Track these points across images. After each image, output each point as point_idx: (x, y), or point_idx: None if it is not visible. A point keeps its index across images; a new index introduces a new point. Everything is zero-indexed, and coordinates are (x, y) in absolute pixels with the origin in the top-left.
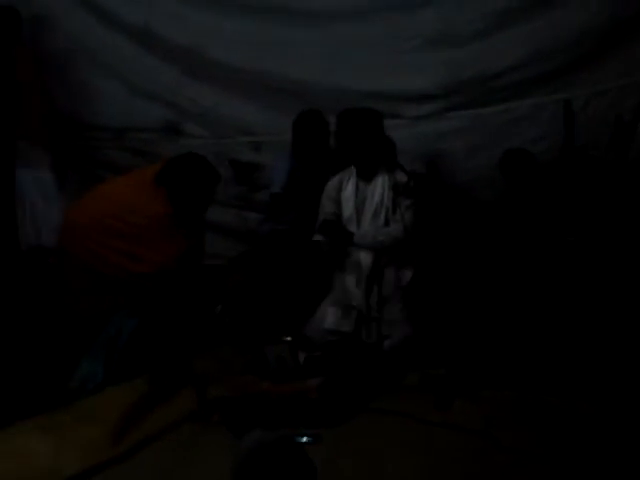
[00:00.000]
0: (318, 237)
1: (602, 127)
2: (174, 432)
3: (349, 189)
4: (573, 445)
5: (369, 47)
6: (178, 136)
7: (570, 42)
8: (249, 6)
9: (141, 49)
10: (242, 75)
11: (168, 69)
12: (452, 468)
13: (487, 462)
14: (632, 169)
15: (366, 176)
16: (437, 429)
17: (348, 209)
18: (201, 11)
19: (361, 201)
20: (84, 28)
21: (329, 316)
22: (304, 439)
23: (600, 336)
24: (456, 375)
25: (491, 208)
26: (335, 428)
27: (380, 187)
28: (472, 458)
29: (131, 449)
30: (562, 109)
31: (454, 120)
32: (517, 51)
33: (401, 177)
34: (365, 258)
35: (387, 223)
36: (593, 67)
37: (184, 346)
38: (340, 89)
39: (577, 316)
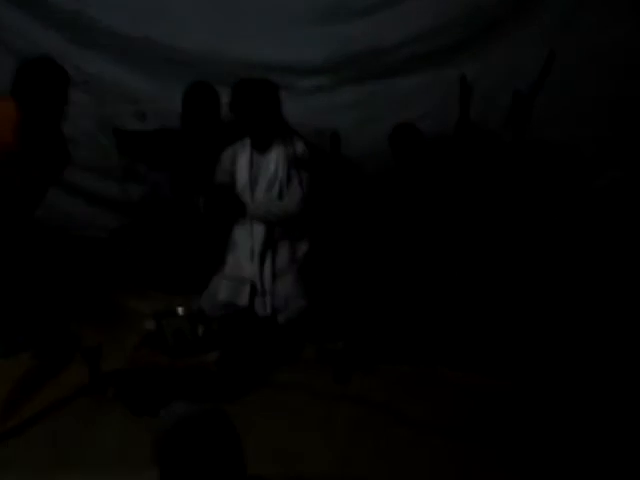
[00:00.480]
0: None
1: (490, 105)
2: (67, 407)
3: (243, 160)
4: (475, 417)
5: (258, 18)
6: None
7: (461, 18)
8: None
9: (25, 14)
10: (128, 43)
11: (52, 35)
12: (357, 443)
13: (392, 436)
14: (530, 147)
15: (261, 147)
16: (338, 402)
17: (242, 180)
18: None
19: (255, 172)
20: None
21: (222, 289)
22: None
23: (489, 305)
24: (354, 348)
25: (380, 182)
26: (235, 402)
27: (275, 159)
28: (376, 432)
29: (22, 424)
30: (452, 85)
31: (344, 94)
32: (408, 26)
33: (297, 148)
34: (258, 230)
35: (281, 195)
36: (482, 44)
37: (63, 312)
38: (228, 59)
39: (465, 285)
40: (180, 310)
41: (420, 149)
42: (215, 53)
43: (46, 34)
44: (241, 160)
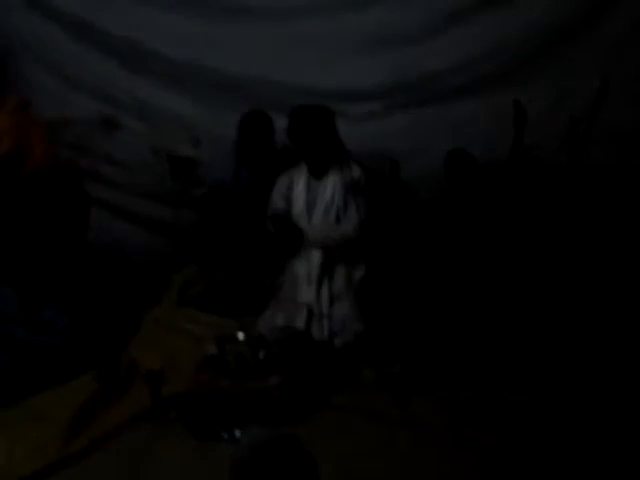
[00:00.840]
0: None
1: (541, 130)
2: (129, 432)
3: (300, 186)
4: (537, 442)
5: (311, 44)
6: (115, 130)
7: (513, 44)
8: (185, 1)
9: (77, 40)
10: (181, 69)
11: (105, 61)
12: (420, 466)
13: (454, 460)
14: (588, 172)
15: (318, 173)
16: (399, 427)
17: (298, 206)
18: (139, 3)
19: (312, 199)
20: (18, 17)
21: (280, 312)
22: None
23: (554, 335)
24: (413, 372)
25: (433, 207)
26: (297, 426)
27: (332, 184)
28: (438, 456)
29: (84, 450)
30: (502, 111)
31: (396, 120)
32: (458, 53)
33: (354, 174)
34: (315, 255)
35: (338, 220)
36: (533, 70)
37: (122, 335)
38: (281, 86)
39: (530, 315)
40: (241, 334)
41: (474, 174)
42: (268, 80)
43: (99, 60)
44: (298, 186)
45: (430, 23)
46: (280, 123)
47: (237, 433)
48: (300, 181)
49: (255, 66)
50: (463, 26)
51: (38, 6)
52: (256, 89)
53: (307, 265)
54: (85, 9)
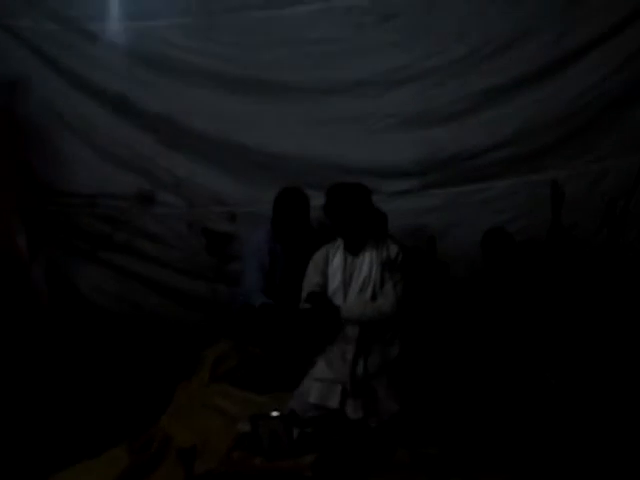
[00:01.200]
0: (305, 306)
1: (581, 209)
2: None
3: (336, 262)
4: None
5: (347, 122)
6: (152, 205)
7: (549, 123)
8: (224, 78)
9: (116, 116)
10: (217, 146)
11: (143, 137)
12: None
13: None
14: (626, 253)
15: (354, 249)
16: None
17: (335, 282)
18: (177, 80)
19: (349, 274)
20: (58, 93)
21: (314, 390)
22: None
23: (598, 420)
24: (449, 453)
25: (469, 286)
26: None
27: (368, 261)
28: None
29: None
30: (538, 190)
31: (430, 198)
32: (494, 132)
33: (391, 251)
34: (352, 332)
35: (374, 297)
36: (569, 150)
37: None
38: (317, 163)
39: (577, 400)
40: (275, 412)
41: (511, 253)
42: (304, 157)
43: (138, 137)
44: (334, 261)
45: (465, 101)
46: (316, 201)
47: None
48: (337, 257)
49: (291, 143)
50: (498, 105)
51: (80, 84)
52: (292, 166)
53: (342, 342)
54: (124, 86)
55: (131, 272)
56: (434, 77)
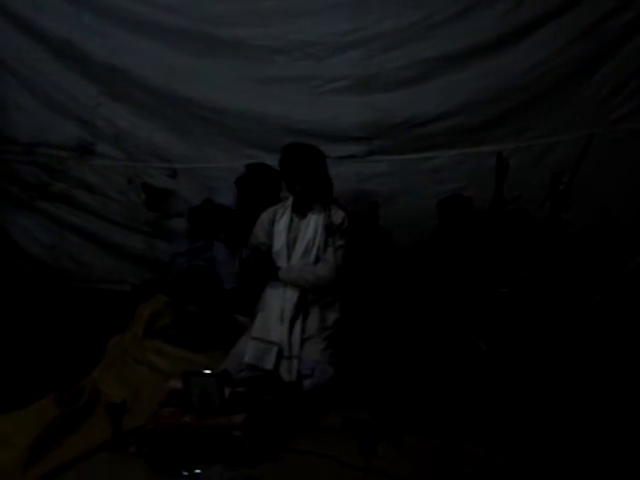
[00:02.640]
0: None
1: (523, 183)
2: (89, 462)
3: (282, 222)
4: None
5: (294, 83)
6: (91, 156)
7: (497, 96)
8: (173, 31)
9: (59, 63)
10: (161, 99)
11: (85, 86)
12: None
13: None
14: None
15: (301, 211)
16: (362, 474)
17: (279, 243)
18: (124, 31)
19: (293, 236)
20: (2, 36)
21: (249, 349)
22: None
23: (527, 385)
24: (380, 418)
25: (413, 252)
26: (257, 467)
27: (313, 224)
28: None
29: (44, 477)
30: (486, 161)
31: (376, 164)
32: (443, 101)
33: (337, 216)
34: (290, 294)
35: (317, 261)
36: (518, 122)
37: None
38: (261, 123)
39: (506, 365)
40: (208, 370)
41: (470, 220)
42: (250, 116)
43: (81, 85)
44: (281, 222)
45: (416, 68)
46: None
47: (197, 470)
48: (283, 217)
49: (236, 100)
50: (449, 74)
51: (25, 27)
52: (235, 124)
53: (281, 304)
54: (71, 33)
55: (68, 223)
56: (385, 42)
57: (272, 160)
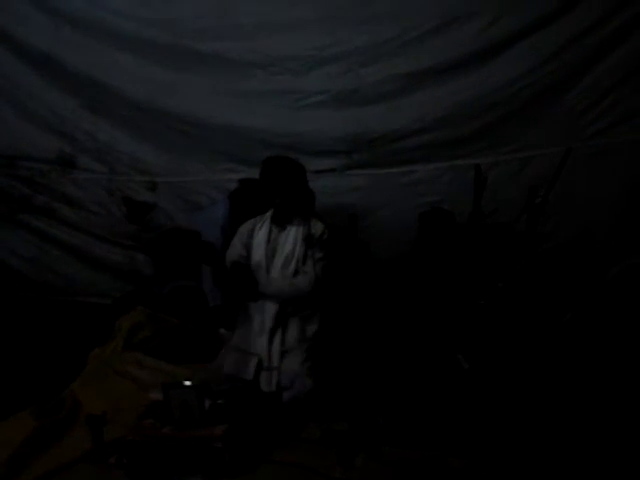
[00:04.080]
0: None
1: (501, 197)
2: (69, 473)
3: (261, 235)
4: None
5: (273, 97)
6: (71, 169)
7: (474, 111)
8: (153, 44)
9: (39, 76)
10: (141, 112)
11: (66, 99)
12: None
13: None
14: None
15: (280, 223)
16: None
17: (258, 255)
18: (105, 44)
19: (272, 248)
20: None
21: (229, 362)
22: None
23: (506, 398)
24: (359, 430)
25: (393, 265)
26: (237, 479)
27: (293, 236)
28: None
29: None
30: (465, 174)
31: (354, 177)
32: (422, 115)
33: (316, 228)
34: (270, 307)
35: (297, 274)
36: (495, 137)
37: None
38: (240, 136)
39: (484, 376)
40: (187, 382)
41: (451, 233)
42: (230, 130)
43: (62, 99)
44: (260, 234)
45: (394, 83)
46: (237, 175)
47: None
48: (262, 230)
49: (216, 114)
50: (427, 88)
51: (5, 41)
52: (215, 137)
53: (261, 316)
54: (52, 47)
55: (49, 236)
56: (363, 56)
57: (252, 174)
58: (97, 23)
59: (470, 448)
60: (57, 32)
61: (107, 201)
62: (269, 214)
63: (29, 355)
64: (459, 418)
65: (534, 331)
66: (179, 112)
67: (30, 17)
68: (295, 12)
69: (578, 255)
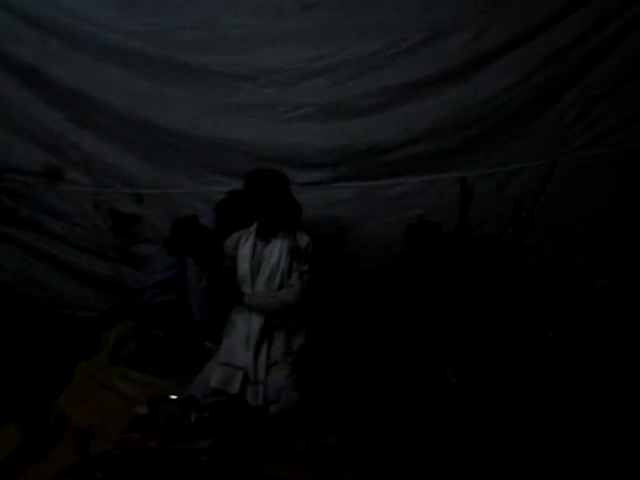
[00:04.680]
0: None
1: (487, 210)
2: None
3: (246, 248)
4: None
5: (260, 109)
6: (58, 181)
7: (460, 123)
8: (140, 57)
9: (25, 89)
10: (128, 125)
11: (52, 112)
12: None
13: None
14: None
15: (265, 236)
16: None
17: (243, 268)
18: (91, 57)
19: (257, 262)
20: None
21: (215, 374)
22: None
23: (491, 412)
24: (346, 444)
25: (379, 278)
26: None
27: (278, 250)
28: None
29: None
30: (450, 187)
31: (341, 190)
32: (408, 128)
33: (302, 241)
34: (255, 320)
35: (282, 286)
36: (481, 149)
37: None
38: (227, 149)
39: (470, 390)
40: (173, 396)
41: (438, 246)
42: (215, 142)
43: (48, 111)
44: (245, 247)
45: (380, 96)
46: (225, 187)
47: None
48: (247, 243)
49: (203, 126)
50: (412, 101)
51: None
52: (202, 150)
53: (247, 329)
54: (37, 59)
55: (34, 249)
56: (349, 69)
57: (239, 186)
58: (83, 36)
59: (456, 461)
60: (43, 45)
61: (93, 213)
62: (253, 227)
63: (15, 368)
64: (445, 431)
65: (520, 345)
66: (165, 124)
67: (16, 30)
68: (282, 25)
69: (564, 268)
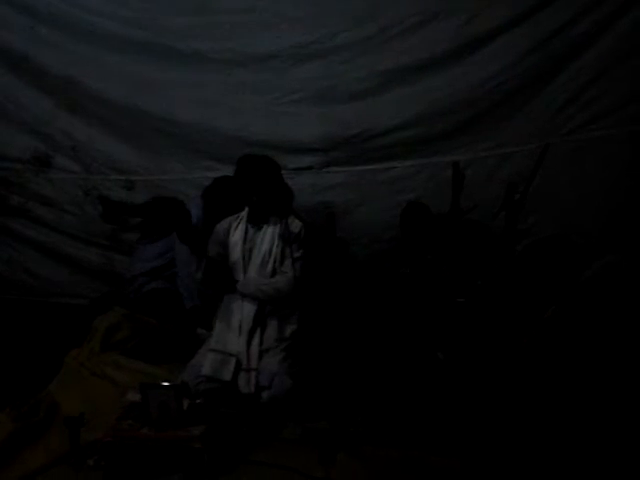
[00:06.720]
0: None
1: (480, 194)
2: (47, 475)
3: (237, 234)
4: None
5: (252, 95)
6: (47, 168)
7: (452, 107)
8: (132, 43)
9: (15, 76)
10: (118, 111)
11: (42, 99)
12: None
13: None
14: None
15: (257, 222)
16: None
17: (235, 254)
18: (82, 43)
19: (249, 248)
20: None
21: (207, 361)
22: None
23: (486, 397)
24: (339, 429)
25: (376, 263)
26: (218, 479)
27: (270, 235)
28: None
29: None
30: (443, 171)
31: (333, 175)
32: (400, 112)
33: (294, 226)
34: (248, 307)
35: (274, 273)
36: (473, 133)
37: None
38: (219, 135)
39: (464, 374)
40: (165, 383)
41: (431, 226)
42: (206, 128)
43: (38, 98)
44: (236, 233)
45: (372, 80)
46: (215, 173)
47: None
48: (238, 229)
49: (194, 112)
50: (404, 86)
51: None
52: (193, 136)
53: (239, 316)
54: (28, 46)
55: (24, 237)
56: (342, 54)
57: (231, 172)
58: (74, 22)
59: (451, 447)
60: (34, 31)
61: (83, 201)
62: (244, 213)
63: (5, 357)
64: (439, 416)
65: (514, 329)
66: (156, 110)
67: (6, 16)
68: (274, 10)
69: (558, 251)
